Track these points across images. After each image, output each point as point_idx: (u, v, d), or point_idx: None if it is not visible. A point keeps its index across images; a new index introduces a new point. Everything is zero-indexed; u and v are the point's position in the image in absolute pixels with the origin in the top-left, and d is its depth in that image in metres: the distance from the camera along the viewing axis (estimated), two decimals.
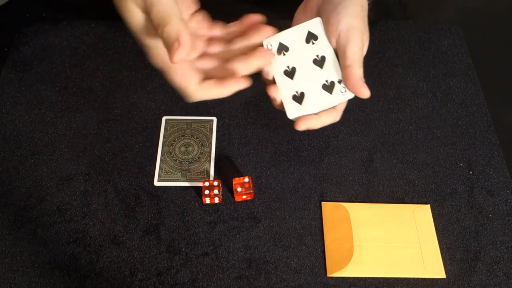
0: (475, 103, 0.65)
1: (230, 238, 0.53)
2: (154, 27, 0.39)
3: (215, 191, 0.54)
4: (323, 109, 0.47)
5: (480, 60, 0.70)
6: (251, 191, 0.55)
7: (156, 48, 0.42)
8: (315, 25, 0.47)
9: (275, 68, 0.47)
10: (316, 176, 0.58)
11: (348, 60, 0.44)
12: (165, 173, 0.58)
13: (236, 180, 0.55)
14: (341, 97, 0.46)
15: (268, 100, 0.64)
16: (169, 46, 0.38)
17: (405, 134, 0.62)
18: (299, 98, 0.47)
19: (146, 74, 0.66)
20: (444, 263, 0.52)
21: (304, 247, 0.53)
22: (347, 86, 0.45)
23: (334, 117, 0.47)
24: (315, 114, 0.46)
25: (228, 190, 0.57)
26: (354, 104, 0.64)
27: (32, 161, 0.58)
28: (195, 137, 0.61)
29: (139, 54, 0.68)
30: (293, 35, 0.47)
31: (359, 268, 0.51)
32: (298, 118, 0.46)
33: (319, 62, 0.47)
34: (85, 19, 0.72)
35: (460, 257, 0.53)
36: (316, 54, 0.47)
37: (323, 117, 0.47)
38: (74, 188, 0.56)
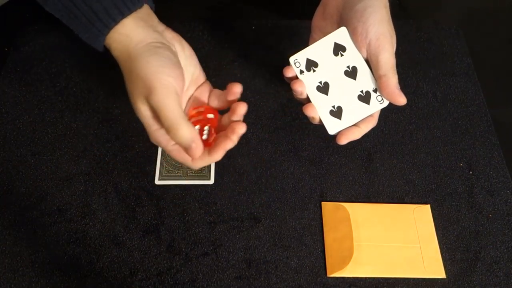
0: (475, 103, 0.65)
1: (230, 238, 0.53)
2: (165, 128, 0.42)
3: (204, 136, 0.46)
4: (361, 119, 0.46)
5: (480, 60, 0.70)
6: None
7: (159, 132, 0.44)
8: (341, 35, 0.46)
9: (307, 85, 0.46)
10: (316, 176, 0.58)
11: (382, 70, 0.44)
12: (165, 172, 0.58)
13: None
14: (378, 105, 0.46)
15: (268, 100, 0.64)
16: (186, 147, 0.42)
17: (405, 134, 0.62)
18: (337, 112, 0.46)
19: None
20: (444, 263, 0.52)
21: (304, 247, 0.53)
22: (383, 95, 0.45)
23: (372, 124, 0.47)
24: (354, 125, 0.46)
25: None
26: None
27: (32, 161, 0.58)
28: None
29: None
30: (320, 49, 0.46)
31: (359, 268, 0.51)
32: (339, 133, 0.46)
33: (351, 73, 0.46)
34: None
35: (460, 257, 0.53)
36: (347, 66, 0.46)
37: (362, 127, 0.47)
38: (74, 188, 0.56)
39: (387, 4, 0.46)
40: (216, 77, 0.66)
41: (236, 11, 0.75)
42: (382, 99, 0.46)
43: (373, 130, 0.62)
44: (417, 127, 0.63)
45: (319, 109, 0.46)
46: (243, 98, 0.65)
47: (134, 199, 0.56)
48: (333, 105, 0.46)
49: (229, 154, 0.59)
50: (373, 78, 0.45)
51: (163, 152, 0.59)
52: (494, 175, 0.59)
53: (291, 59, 0.46)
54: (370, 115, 0.46)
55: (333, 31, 0.46)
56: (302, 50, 0.47)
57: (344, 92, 0.46)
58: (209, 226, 0.54)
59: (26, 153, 0.59)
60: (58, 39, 0.69)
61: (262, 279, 0.51)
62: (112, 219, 0.54)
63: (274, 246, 0.53)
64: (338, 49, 0.46)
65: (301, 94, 0.46)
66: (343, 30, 0.46)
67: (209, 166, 0.58)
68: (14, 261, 0.51)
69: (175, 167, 0.58)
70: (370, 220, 0.54)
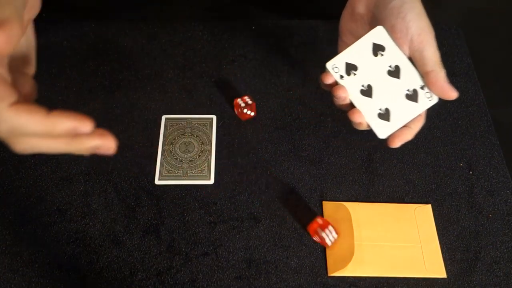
0: (475, 103, 0.65)
1: (230, 238, 0.53)
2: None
3: (249, 101, 0.60)
4: (412, 119, 0.45)
5: (480, 60, 0.70)
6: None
7: None
8: (379, 35, 0.44)
9: (350, 90, 0.44)
10: (316, 176, 0.58)
11: (429, 65, 0.43)
12: (166, 172, 0.58)
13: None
14: (428, 102, 0.44)
15: (268, 99, 0.64)
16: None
17: None
18: (385, 115, 0.44)
19: (146, 74, 0.66)
20: (444, 263, 0.52)
21: (304, 247, 0.53)
22: (433, 91, 0.43)
23: (422, 123, 0.46)
24: (405, 126, 0.45)
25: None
26: None
27: (32, 161, 0.58)
28: (195, 136, 0.61)
29: (139, 54, 0.68)
30: (358, 51, 0.45)
31: (360, 267, 0.51)
32: (391, 135, 0.45)
33: (395, 72, 0.44)
34: (85, 19, 0.72)
35: (460, 257, 0.53)
36: (389, 65, 0.44)
37: (413, 127, 0.45)
38: (74, 188, 0.56)
39: None
40: (216, 77, 0.66)
41: (236, 11, 0.75)
42: (431, 95, 0.44)
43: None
44: None
45: (365, 114, 0.45)
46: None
47: (134, 199, 0.56)
48: (380, 107, 0.44)
49: (229, 154, 0.60)
50: (418, 75, 0.44)
51: (163, 152, 0.59)
52: (494, 175, 0.59)
53: (329, 65, 0.45)
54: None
55: (365, 32, 0.45)
56: (339, 54, 0.45)
57: (390, 93, 0.44)
58: (209, 226, 0.54)
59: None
60: (58, 39, 0.69)
61: (262, 279, 0.51)
62: (112, 219, 0.54)
63: (274, 246, 0.53)
64: (378, 49, 0.44)
65: (344, 100, 0.45)
66: (380, 29, 0.44)
67: (209, 166, 0.58)
68: (14, 261, 0.51)
69: (175, 167, 0.58)
70: (371, 219, 0.54)
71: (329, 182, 0.58)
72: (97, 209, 0.55)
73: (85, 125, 0.37)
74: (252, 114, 0.61)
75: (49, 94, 0.64)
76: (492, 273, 0.52)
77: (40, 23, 0.71)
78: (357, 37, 0.45)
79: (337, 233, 0.52)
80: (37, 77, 0.66)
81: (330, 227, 0.52)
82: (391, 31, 0.44)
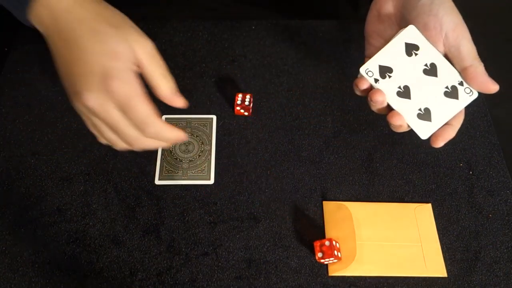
0: (475, 103, 0.65)
1: (230, 238, 0.53)
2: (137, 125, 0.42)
3: (246, 103, 0.61)
4: (453, 116, 0.44)
5: (480, 60, 0.70)
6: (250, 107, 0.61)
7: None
8: (411, 34, 0.44)
9: (387, 94, 0.44)
10: (316, 176, 0.58)
11: (467, 60, 0.42)
12: (166, 172, 0.58)
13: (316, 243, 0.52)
14: (468, 98, 0.44)
15: (268, 100, 0.64)
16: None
17: (405, 134, 0.62)
18: (425, 115, 0.44)
19: None
20: (444, 263, 0.52)
21: (304, 247, 0.53)
22: (473, 86, 0.43)
23: (462, 119, 0.45)
24: (446, 124, 0.44)
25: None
26: (354, 104, 0.64)
27: (32, 161, 0.58)
28: (195, 136, 0.61)
29: None
30: (390, 52, 0.44)
31: (362, 267, 0.51)
32: (433, 135, 0.44)
33: (431, 71, 0.44)
34: None
35: (460, 257, 0.53)
36: (424, 64, 0.44)
37: (455, 124, 0.45)
38: (74, 188, 0.56)
39: None
40: (216, 77, 0.66)
41: (236, 11, 0.75)
42: (471, 90, 0.43)
43: (373, 130, 0.62)
44: None
45: (405, 116, 0.44)
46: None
47: (134, 199, 0.56)
48: (419, 108, 0.44)
49: (229, 154, 0.60)
50: (456, 71, 0.43)
51: (163, 152, 0.59)
52: (494, 175, 0.59)
53: (362, 69, 0.44)
54: None
55: (394, 32, 0.44)
56: (372, 58, 0.44)
57: (428, 92, 0.44)
58: (209, 226, 0.54)
59: (26, 153, 0.59)
60: None
61: (262, 279, 0.51)
62: (112, 219, 0.54)
63: (274, 246, 0.53)
64: (411, 48, 0.44)
65: (382, 103, 0.44)
66: (411, 28, 0.43)
67: (209, 166, 0.58)
68: (14, 261, 0.51)
69: (175, 167, 0.58)
70: (371, 219, 0.54)
71: (329, 182, 0.58)
72: (97, 209, 0.55)
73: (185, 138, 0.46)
74: (246, 114, 0.62)
75: (49, 94, 0.64)
76: (492, 273, 0.52)
77: None
78: (386, 38, 0.45)
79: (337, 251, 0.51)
80: (37, 77, 0.66)
81: (332, 258, 0.50)
82: (424, 29, 0.43)
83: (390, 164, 0.59)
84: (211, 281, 0.51)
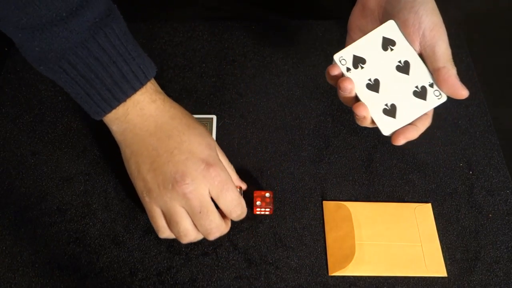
0: (475, 103, 0.65)
1: (230, 238, 0.53)
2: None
3: (267, 201, 0.53)
4: (418, 117, 0.44)
5: (480, 60, 0.70)
6: (271, 207, 0.53)
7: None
8: (389, 29, 0.43)
9: (356, 84, 0.43)
10: (316, 176, 0.58)
11: (440, 61, 0.42)
12: None
13: (257, 193, 0.54)
14: (437, 101, 0.43)
15: (268, 99, 0.64)
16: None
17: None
18: (390, 111, 0.43)
19: None
20: (444, 263, 0.52)
21: (304, 247, 0.53)
22: (442, 88, 0.42)
23: (428, 122, 0.45)
24: (410, 124, 0.44)
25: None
26: None
27: (32, 161, 0.58)
28: None
29: None
30: (367, 44, 0.44)
31: (361, 267, 0.51)
32: (395, 133, 0.44)
33: (404, 68, 0.43)
34: None
35: (460, 257, 0.53)
36: (398, 60, 0.43)
37: (419, 126, 0.44)
38: (74, 188, 0.56)
39: None
40: (216, 77, 0.66)
41: (236, 11, 0.75)
42: (440, 93, 0.43)
43: (373, 130, 0.62)
44: None
45: (370, 108, 0.44)
46: (243, 98, 0.65)
47: (134, 199, 0.56)
48: (386, 103, 0.43)
49: (229, 154, 0.60)
50: (428, 72, 0.43)
51: None
52: (494, 175, 0.59)
53: (336, 57, 0.44)
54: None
55: (375, 28, 0.44)
56: (348, 47, 0.44)
57: (397, 89, 0.43)
58: None
59: (26, 153, 0.59)
60: None
61: (262, 279, 0.51)
62: (112, 219, 0.54)
63: (274, 246, 0.53)
64: (387, 43, 0.44)
65: (350, 92, 0.44)
66: (391, 23, 0.43)
67: None
68: (14, 261, 0.51)
69: None
70: (371, 219, 0.54)
71: (329, 182, 0.58)
72: (97, 209, 0.55)
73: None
74: (268, 211, 0.54)
75: (49, 94, 0.64)
76: (492, 272, 0.52)
77: None
78: (366, 33, 0.45)
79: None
80: (37, 76, 0.66)
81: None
82: (403, 26, 0.43)
83: (390, 164, 0.59)
84: (211, 281, 0.51)
